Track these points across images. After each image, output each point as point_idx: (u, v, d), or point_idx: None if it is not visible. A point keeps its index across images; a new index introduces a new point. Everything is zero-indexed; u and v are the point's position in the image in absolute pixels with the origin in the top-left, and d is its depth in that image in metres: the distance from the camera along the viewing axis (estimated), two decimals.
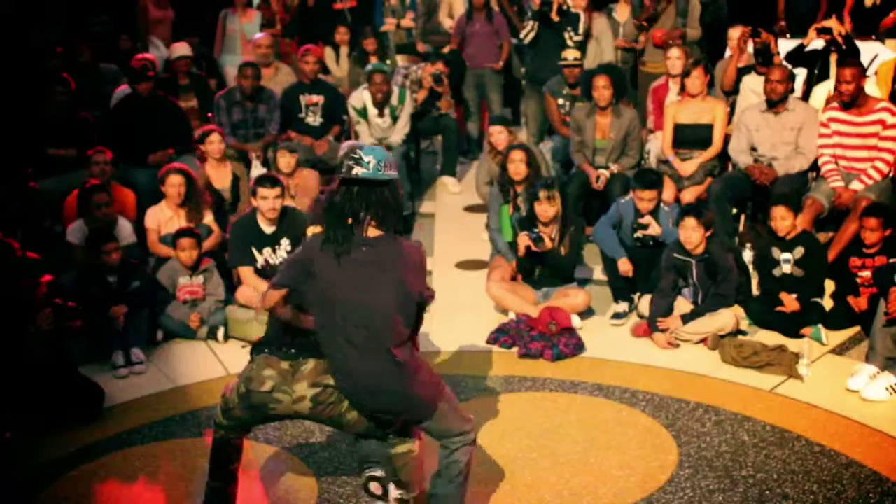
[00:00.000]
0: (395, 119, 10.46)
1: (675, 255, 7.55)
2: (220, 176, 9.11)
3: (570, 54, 10.17)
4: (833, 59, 8.93)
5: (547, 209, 7.78)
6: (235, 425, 5.01)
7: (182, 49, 10.71)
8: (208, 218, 8.53)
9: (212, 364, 7.39)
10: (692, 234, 7.40)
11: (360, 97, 10.45)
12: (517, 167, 8.29)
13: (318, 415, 4.87)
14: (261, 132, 10.16)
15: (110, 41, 11.38)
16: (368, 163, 4.54)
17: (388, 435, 4.92)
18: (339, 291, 4.57)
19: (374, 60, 11.32)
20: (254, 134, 10.14)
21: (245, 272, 7.72)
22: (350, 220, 4.56)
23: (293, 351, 4.84)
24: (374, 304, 4.54)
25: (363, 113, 10.39)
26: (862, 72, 8.31)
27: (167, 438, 6.35)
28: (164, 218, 8.42)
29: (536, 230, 7.76)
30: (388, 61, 11.90)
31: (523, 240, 7.78)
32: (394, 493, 4.94)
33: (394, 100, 10.43)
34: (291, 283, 4.76)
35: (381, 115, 10.41)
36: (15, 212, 8.32)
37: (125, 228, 8.27)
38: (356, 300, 4.55)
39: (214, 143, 9.03)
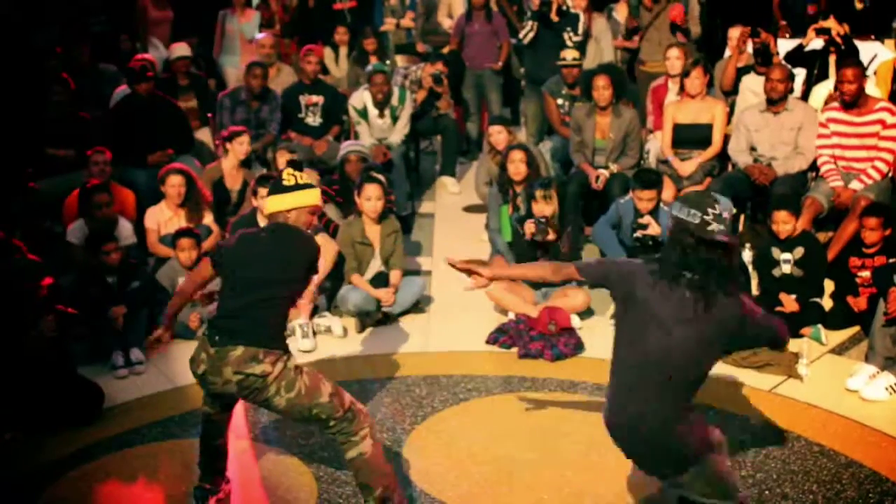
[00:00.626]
0: (395, 119, 10.47)
1: None
2: (235, 177, 9.11)
3: (569, 54, 10.17)
4: (832, 59, 8.93)
5: (543, 208, 7.78)
6: (210, 399, 5.24)
7: (181, 49, 10.71)
8: (208, 218, 8.54)
9: None
10: None
11: (361, 97, 10.45)
12: (517, 167, 8.29)
13: (247, 398, 5.05)
14: (261, 133, 10.16)
15: (110, 41, 11.37)
16: (724, 217, 4.44)
17: (332, 430, 5.04)
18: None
19: (374, 60, 11.33)
20: (256, 134, 10.14)
21: None
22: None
23: (220, 337, 4.96)
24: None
25: (363, 113, 10.40)
26: (863, 71, 8.31)
27: (167, 439, 6.35)
28: (163, 218, 8.43)
29: (543, 219, 7.75)
30: (388, 61, 11.90)
31: (529, 226, 7.79)
32: None
33: (394, 100, 10.44)
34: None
35: (381, 115, 10.42)
36: (15, 212, 8.32)
37: (125, 229, 8.28)
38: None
39: (244, 145, 9.06)
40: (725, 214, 4.40)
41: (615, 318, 4.65)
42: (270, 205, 5.22)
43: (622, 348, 4.54)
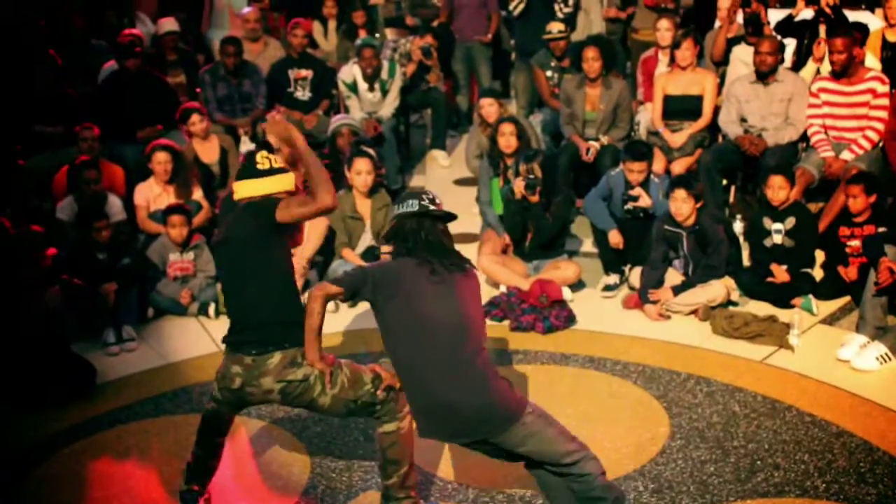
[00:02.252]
0: (384, 93, 10.44)
1: (666, 226, 7.55)
2: (207, 150, 9.08)
3: (555, 27, 10.14)
4: (822, 28, 8.91)
5: (519, 184, 7.79)
6: (226, 402, 5.01)
7: (169, 24, 10.65)
8: (197, 194, 8.51)
9: (203, 340, 7.38)
10: (682, 205, 7.40)
11: (350, 71, 10.42)
12: (507, 140, 8.26)
13: (290, 403, 4.89)
14: (247, 107, 10.13)
15: (98, 16, 11.30)
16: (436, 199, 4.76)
17: (378, 413, 4.93)
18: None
19: (363, 34, 11.28)
20: (240, 109, 10.11)
21: None
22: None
23: (253, 346, 4.78)
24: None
25: (353, 87, 10.37)
26: (854, 41, 8.29)
27: (159, 415, 6.35)
28: (152, 194, 8.40)
29: (532, 177, 7.74)
30: (377, 35, 11.85)
31: (518, 185, 7.78)
32: None
33: (383, 74, 10.41)
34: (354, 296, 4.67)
35: (370, 89, 10.39)
36: (3, 189, 8.29)
37: (115, 205, 8.26)
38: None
39: (196, 124, 8.98)
40: (438, 200, 4.73)
41: (388, 318, 4.58)
42: (242, 190, 4.97)
43: (411, 340, 4.53)
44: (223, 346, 4.95)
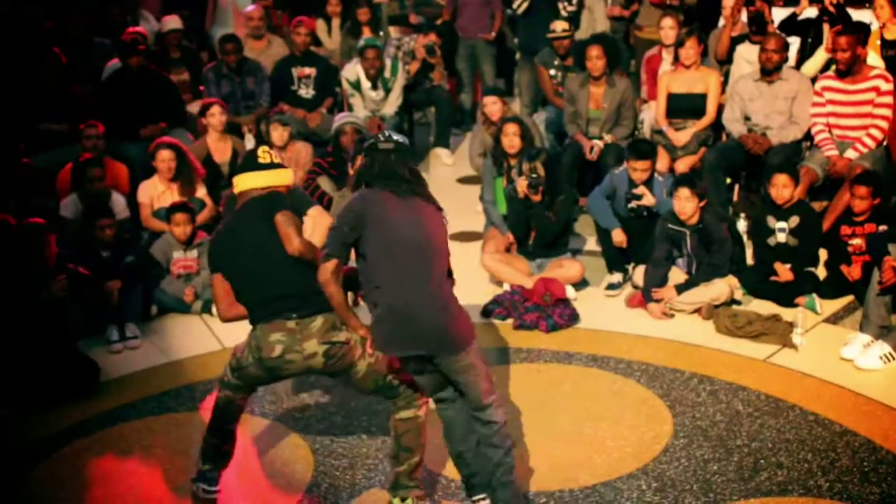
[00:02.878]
0: (387, 91, 10.44)
1: (670, 225, 7.54)
2: (221, 149, 9.08)
3: (558, 26, 10.14)
4: (826, 27, 8.90)
5: (522, 183, 7.79)
6: (245, 385, 5.06)
7: (173, 22, 10.65)
8: (201, 192, 8.51)
9: (206, 338, 7.39)
10: (686, 204, 7.39)
11: (354, 70, 10.42)
12: (511, 140, 8.24)
13: (329, 368, 4.95)
14: (250, 104, 10.13)
15: (103, 15, 11.30)
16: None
17: (398, 397, 4.99)
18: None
19: (367, 31, 11.27)
20: (244, 106, 10.11)
21: None
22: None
23: (295, 311, 4.87)
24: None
25: (357, 85, 10.37)
26: (858, 39, 8.28)
27: (162, 413, 6.36)
28: (156, 192, 8.40)
29: (535, 175, 7.73)
30: (381, 33, 11.84)
31: (522, 184, 7.78)
32: None
33: (386, 72, 10.41)
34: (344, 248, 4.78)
35: (374, 87, 10.39)
36: (8, 187, 8.30)
37: (119, 203, 8.26)
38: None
39: (216, 116, 9.01)
40: (396, 136, 4.92)
41: (364, 246, 4.75)
42: (243, 182, 5.10)
43: (381, 257, 4.72)
44: (250, 327, 5.00)
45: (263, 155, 5.11)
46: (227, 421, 5.19)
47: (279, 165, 5.16)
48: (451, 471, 5.53)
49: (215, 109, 9.03)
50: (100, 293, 7.30)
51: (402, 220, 4.72)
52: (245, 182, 5.10)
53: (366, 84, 10.38)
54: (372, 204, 4.72)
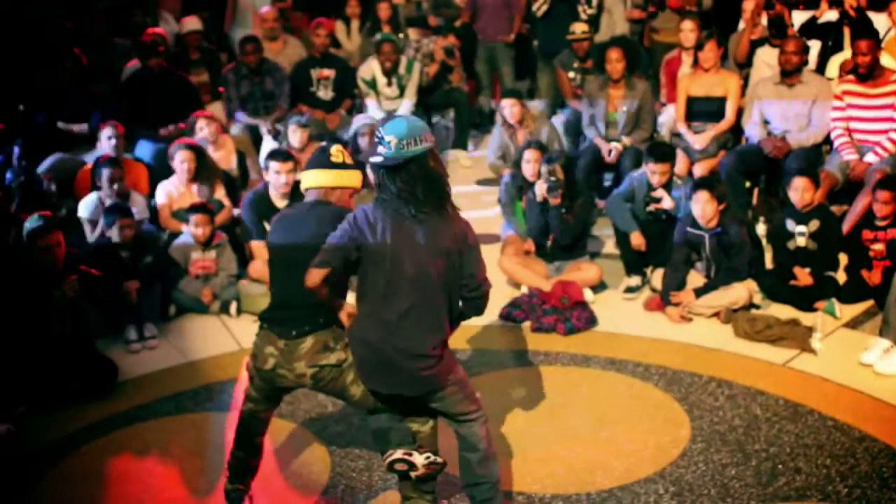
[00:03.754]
0: (401, 89, 10.43)
1: (688, 228, 7.52)
2: (223, 157, 9.05)
3: (578, 28, 10.14)
4: (846, 31, 8.87)
5: (541, 186, 7.76)
6: (262, 396, 4.99)
7: (192, 23, 10.68)
8: (220, 192, 8.53)
9: (224, 339, 7.40)
10: (705, 207, 7.37)
11: (370, 68, 10.45)
12: (532, 168, 8.14)
13: (320, 389, 4.87)
14: (269, 105, 10.14)
15: (122, 16, 11.34)
16: (389, 142, 4.40)
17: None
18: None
19: (386, 29, 11.27)
20: (263, 107, 10.12)
21: (258, 247, 7.74)
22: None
23: (290, 328, 4.74)
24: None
25: (372, 84, 10.38)
26: (878, 43, 8.25)
27: (179, 413, 6.38)
28: (175, 193, 8.42)
29: (554, 179, 7.72)
30: (401, 34, 11.84)
31: (541, 187, 7.77)
32: (421, 459, 4.80)
33: (401, 69, 10.40)
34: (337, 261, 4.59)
35: (389, 84, 10.39)
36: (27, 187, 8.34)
37: (138, 203, 8.27)
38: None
39: (204, 129, 8.96)
40: (389, 138, 4.40)
41: (363, 264, 4.53)
42: (311, 179, 4.91)
43: (373, 289, 4.52)
44: (258, 325, 4.91)
45: (336, 154, 4.93)
46: (253, 434, 5.09)
47: (350, 166, 4.96)
48: None
49: (200, 123, 8.97)
50: (114, 294, 7.32)
51: (398, 251, 4.45)
52: (313, 179, 4.91)
53: (381, 80, 10.38)
54: (369, 229, 4.48)
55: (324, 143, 5.17)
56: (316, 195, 4.90)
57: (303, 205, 4.95)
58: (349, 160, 4.97)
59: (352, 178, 4.95)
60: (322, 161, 4.92)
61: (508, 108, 9.23)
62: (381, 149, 4.40)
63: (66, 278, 6.52)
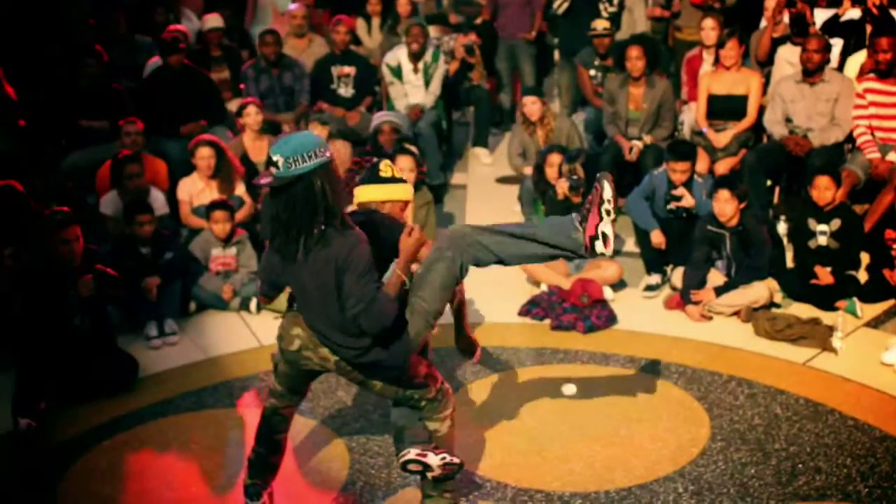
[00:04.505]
0: (427, 77, 10.41)
1: (709, 227, 7.50)
2: (257, 149, 9.08)
3: (599, 24, 10.12)
4: (869, 29, 8.82)
5: (562, 184, 7.76)
6: (285, 388, 4.99)
7: (214, 21, 10.70)
8: (240, 189, 8.55)
9: (244, 335, 7.42)
10: (726, 205, 7.35)
11: (395, 56, 10.44)
12: (554, 171, 8.13)
13: (344, 376, 4.85)
14: (289, 100, 10.15)
15: (144, 13, 11.38)
16: (277, 162, 4.35)
17: (422, 408, 4.92)
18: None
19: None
20: (283, 102, 10.12)
21: None
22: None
23: None
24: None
25: (397, 72, 10.37)
26: None
27: (200, 409, 6.39)
28: (195, 189, 8.44)
29: (576, 177, 7.71)
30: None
31: (562, 185, 7.75)
32: (436, 460, 4.83)
33: (427, 57, 10.39)
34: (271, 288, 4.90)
35: (415, 70, 10.36)
36: (48, 184, 8.38)
37: (158, 199, 8.30)
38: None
39: (251, 115, 9.01)
40: (276, 157, 4.33)
41: None
42: (364, 194, 5.02)
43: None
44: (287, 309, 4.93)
45: (385, 169, 5.03)
46: (274, 431, 5.11)
47: (401, 180, 5.07)
48: (485, 469, 5.53)
49: (251, 109, 9.04)
50: (134, 290, 7.34)
51: (289, 269, 4.56)
52: (364, 194, 5.01)
53: (407, 67, 10.36)
54: (278, 266, 4.65)
55: (375, 159, 5.21)
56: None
57: (359, 212, 4.99)
58: (398, 174, 5.08)
59: (402, 191, 5.08)
60: (373, 177, 5.04)
61: (529, 105, 9.22)
62: (272, 169, 4.37)
63: (82, 276, 6.54)
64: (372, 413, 6.15)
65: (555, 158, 8.16)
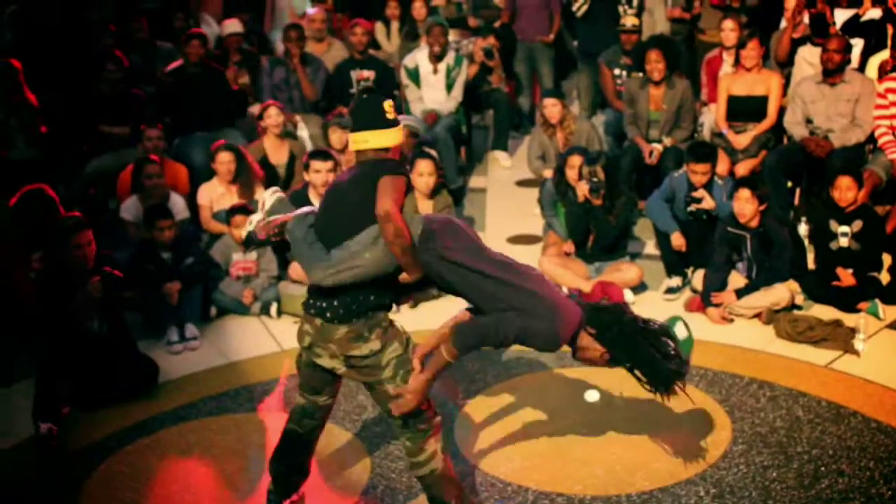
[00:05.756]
0: (449, 81, 10.39)
1: (730, 228, 7.48)
2: (278, 152, 9.11)
3: (629, 21, 10.11)
4: (890, 29, 8.79)
5: (582, 187, 7.75)
6: (308, 401, 4.96)
7: (234, 25, 10.75)
8: (260, 193, 8.55)
9: (265, 340, 7.44)
10: (746, 205, 7.33)
11: (414, 58, 10.44)
12: (575, 173, 8.10)
13: (353, 376, 4.77)
14: (301, 94, 10.13)
15: (165, 19, 11.44)
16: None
17: (404, 432, 4.79)
18: None
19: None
20: (297, 96, 10.13)
21: None
22: None
23: (325, 311, 4.65)
24: None
25: (414, 74, 10.36)
26: None
27: (221, 413, 6.41)
28: (216, 194, 8.47)
29: (596, 180, 7.70)
30: None
31: (582, 188, 7.75)
32: None
33: (450, 60, 10.37)
34: None
35: (435, 71, 10.35)
36: (70, 189, 8.43)
37: (178, 204, 8.33)
38: None
39: (272, 117, 9.02)
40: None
41: None
42: (371, 139, 4.73)
43: None
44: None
45: (389, 109, 4.76)
46: (298, 452, 5.06)
47: (397, 122, 4.82)
48: (506, 473, 5.52)
49: (272, 111, 9.06)
50: (156, 297, 7.37)
51: None
52: (368, 140, 4.73)
53: (427, 68, 10.33)
54: None
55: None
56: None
57: (350, 172, 4.84)
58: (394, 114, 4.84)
59: (399, 134, 4.84)
60: (377, 119, 4.77)
61: (550, 107, 9.20)
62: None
63: (90, 279, 6.56)
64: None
65: (575, 160, 8.13)
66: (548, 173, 8.86)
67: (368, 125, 4.76)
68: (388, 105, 4.79)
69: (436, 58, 10.35)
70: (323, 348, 4.73)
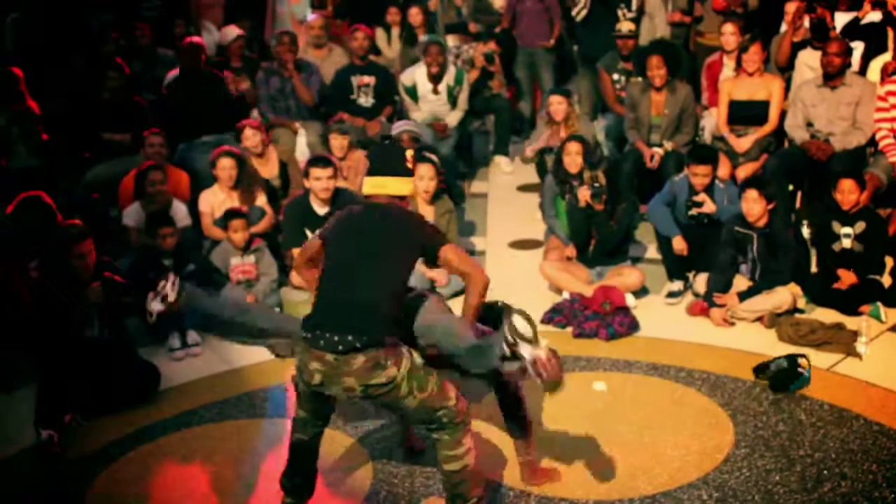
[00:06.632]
0: (452, 100, 10.40)
1: (737, 228, 7.47)
2: (265, 167, 9.06)
3: (625, 26, 10.11)
4: (890, 32, 8.79)
5: (584, 192, 7.75)
6: (310, 413, 4.94)
7: (234, 32, 10.75)
8: (261, 200, 8.56)
9: None
10: (754, 205, 7.32)
11: (411, 75, 10.42)
12: (573, 160, 8.11)
13: (372, 401, 4.81)
14: (298, 103, 10.12)
15: (165, 26, 11.46)
16: None
17: (440, 431, 4.82)
18: None
19: (421, 35, 11.28)
20: (294, 105, 10.12)
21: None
22: None
23: (336, 343, 4.59)
24: None
25: (412, 92, 10.36)
26: None
27: (223, 420, 6.40)
28: (217, 201, 8.46)
29: (598, 185, 7.71)
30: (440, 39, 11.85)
31: (584, 193, 7.75)
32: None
33: (449, 79, 10.37)
34: None
35: (435, 91, 10.35)
36: (71, 197, 8.42)
37: (180, 211, 8.32)
38: None
39: (249, 139, 8.93)
40: None
41: None
42: (392, 187, 4.86)
43: None
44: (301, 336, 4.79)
45: (410, 159, 4.90)
46: (304, 463, 5.07)
47: (413, 174, 4.98)
48: (509, 478, 5.52)
49: (248, 132, 8.92)
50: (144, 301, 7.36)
51: None
52: (387, 186, 4.86)
53: (425, 87, 10.32)
54: None
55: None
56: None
57: (371, 205, 4.91)
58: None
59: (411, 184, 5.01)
60: (400, 168, 4.93)
61: (556, 104, 9.17)
62: None
63: (90, 285, 6.56)
64: (395, 423, 6.14)
65: (573, 147, 8.12)
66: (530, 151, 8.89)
67: (389, 171, 4.85)
68: (409, 154, 4.92)
69: (434, 78, 10.33)
70: (337, 384, 4.64)
